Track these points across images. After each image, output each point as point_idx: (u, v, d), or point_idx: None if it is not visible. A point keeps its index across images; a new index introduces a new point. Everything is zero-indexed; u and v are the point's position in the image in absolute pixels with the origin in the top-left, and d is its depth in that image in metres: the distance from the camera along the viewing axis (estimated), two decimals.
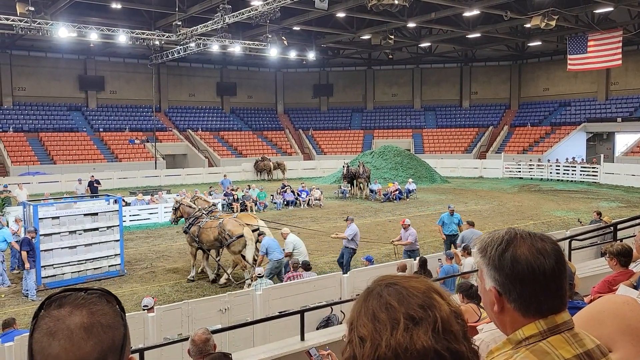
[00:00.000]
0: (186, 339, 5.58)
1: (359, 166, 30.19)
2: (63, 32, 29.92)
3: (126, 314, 1.24)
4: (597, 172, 35.18)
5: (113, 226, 14.56)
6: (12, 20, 28.13)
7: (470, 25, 38.01)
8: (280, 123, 54.97)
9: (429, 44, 46.49)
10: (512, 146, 46.43)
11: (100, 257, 14.27)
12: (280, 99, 57.04)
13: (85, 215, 14.21)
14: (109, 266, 14.46)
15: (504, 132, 49.12)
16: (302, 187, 28.25)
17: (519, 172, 39.30)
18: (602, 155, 37.32)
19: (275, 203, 26.13)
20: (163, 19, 36.27)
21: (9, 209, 21.73)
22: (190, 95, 52.30)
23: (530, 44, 45.61)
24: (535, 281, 1.44)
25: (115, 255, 14.51)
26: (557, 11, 32.14)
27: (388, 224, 21.52)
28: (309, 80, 56.55)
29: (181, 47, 37.30)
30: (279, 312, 8.71)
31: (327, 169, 41.48)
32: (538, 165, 38.91)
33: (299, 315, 7.02)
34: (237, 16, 29.07)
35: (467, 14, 34.49)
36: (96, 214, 14.38)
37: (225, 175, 33.23)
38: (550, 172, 37.50)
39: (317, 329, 8.83)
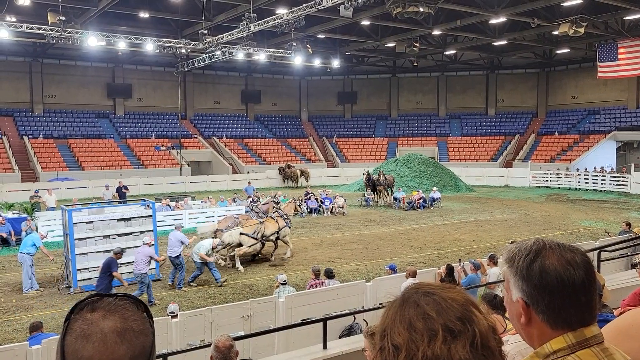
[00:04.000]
0: (209, 345, 5.60)
1: (378, 175, 29.97)
2: (92, 41, 30.55)
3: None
4: (627, 181, 34.43)
5: (147, 231, 14.71)
6: (44, 30, 28.83)
7: (496, 32, 37.68)
8: (304, 130, 55.14)
9: (455, 51, 46.20)
10: (539, 155, 45.75)
11: (134, 261, 14.40)
12: (305, 107, 57.26)
13: (118, 220, 14.53)
14: None
15: (531, 141, 48.44)
16: (326, 194, 28.23)
17: (547, 181, 38.67)
18: (632, 165, 36.51)
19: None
20: (189, 27, 36.80)
21: (38, 213, 22.17)
22: (216, 102, 52.86)
23: (558, 51, 44.98)
24: (564, 293, 1.41)
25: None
26: (586, 18, 31.65)
27: (412, 232, 21.37)
28: (333, 88, 56.66)
29: (207, 55, 37.77)
30: (302, 320, 8.70)
31: (350, 176, 41.40)
32: (566, 174, 38.25)
33: (321, 323, 6.99)
34: (262, 24, 29.32)
35: (493, 21, 34.21)
36: (129, 219, 14.68)
37: (249, 182, 33.45)
38: (579, 182, 36.81)
39: (340, 337, 8.79)
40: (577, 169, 39.06)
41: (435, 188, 29.97)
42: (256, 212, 17.45)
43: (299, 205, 20.50)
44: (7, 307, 12.55)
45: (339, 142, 53.02)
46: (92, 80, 46.59)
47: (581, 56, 46.54)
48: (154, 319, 1.25)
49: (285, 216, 17.37)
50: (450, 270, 10.97)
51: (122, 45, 32.72)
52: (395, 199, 28.98)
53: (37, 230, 19.61)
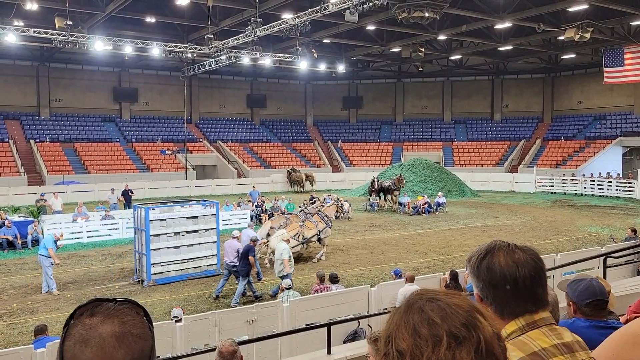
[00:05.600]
0: (213, 350, 5.59)
1: (396, 179, 29.84)
2: (99, 45, 30.71)
3: (154, 324, 1.26)
4: (633, 187, 34.27)
5: (211, 229, 15.67)
6: (51, 34, 28.98)
7: (501, 37, 37.65)
8: (310, 135, 55.19)
9: (460, 56, 46.17)
10: (545, 160, 45.62)
11: (200, 257, 15.44)
12: (310, 111, 57.34)
13: (187, 218, 15.43)
14: (207, 265, 15.58)
15: (537, 146, 48.32)
16: (331, 199, 28.16)
17: (552, 186, 38.54)
18: (638, 171, 36.34)
19: None
20: (195, 32, 36.94)
21: (44, 217, 22.24)
22: (221, 106, 52.99)
23: (564, 57, 44.91)
24: (506, 287, 1.60)
25: (213, 255, 15.64)
26: (592, 23, 31.58)
27: (417, 237, 21.32)
28: (339, 93, 56.73)
29: (213, 59, 37.86)
30: (306, 325, 8.68)
31: (355, 181, 41.40)
32: (572, 179, 38.10)
33: (325, 328, 6.97)
34: (268, 29, 29.40)
35: (498, 26, 34.19)
36: (197, 217, 15.58)
37: (253, 187, 33.44)
38: (585, 187, 36.65)
39: (344, 342, 8.76)
40: (583, 175, 38.93)
41: (440, 193, 29.91)
42: (305, 213, 18.50)
43: (341, 207, 21.41)
44: (12, 310, 12.59)
45: (344, 146, 53.05)
46: (98, 84, 46.81)
47: (587, 61, 46.42)
48: (153, 323, 1.25)
49: (326, 217, 18.27)
50: (454, 276, 10.93)
51: (128, 49, 32.87)
52: (400, 203, 28.92)
53: (42, 234, 19.75)
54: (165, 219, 14.92)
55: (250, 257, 13.17)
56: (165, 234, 14.88)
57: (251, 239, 13.87)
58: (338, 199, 24.68)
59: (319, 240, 17.69)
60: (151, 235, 14.56)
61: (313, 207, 20.23)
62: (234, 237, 14.18)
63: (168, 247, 14.89)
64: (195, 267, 15.25)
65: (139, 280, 14.75)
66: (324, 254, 17.56)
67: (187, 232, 15.22)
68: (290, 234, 16.57)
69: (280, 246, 13.82)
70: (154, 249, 14.60)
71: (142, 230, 14.83)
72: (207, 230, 15.54)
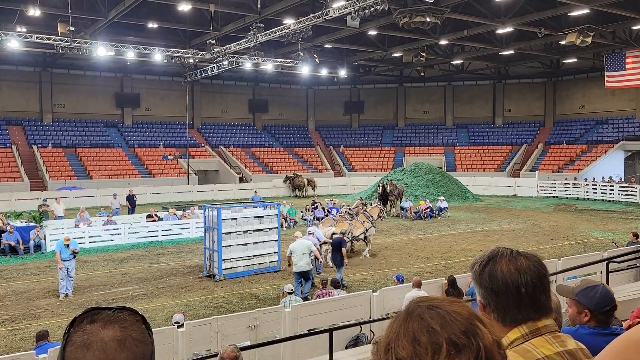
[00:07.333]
0: (215, 355, 5.59)
1: (387, 184, 29.94)
2: (101, 51, 30.81)
3: (156, 329, 1.26)
4: (636, 191, 34.20)
5: (273, 228, 16.80)
6: (54, 40, 29.09)
7: (503, 42, 37.67)
8: (311, 140, 55.24)
9: (461, 61, 46.22)
10: (547, 164, 45.59)
11: (263, 254, 16.58)
12: (312, 116, 57.40)
13: (254, 217, 16.60)
14: (270, 262, 16.65)
15: (539, 150, 48.29)
16: (333, 204, 28.18)
17: (554, 191, 38.48)
18: None
19: (305, 220, 26.09)
20: (197, 37, 37.05)
21: (46, 222, 22.26)
22: (223, 112, 53.09)
23: (566, 61, 44.92)
24: (508, 295, 1.61)
25: (274, 252, 16.74)
26: (593, 28, 31.59)
27: (419, 242, 21.30)
28: (340, 97, 56.80)
29: (214, 65, 37.97)
30: (308, 330, 8.67)
31: (357, 185, 41.36)
32: (574, 184, 38.04)
33: (327, 333, 6.96)
34: (270, 35, 29.46)
35: (500, 31, 34.22)
36: (262, 216, 16.76)
37: (255, 191, 33.46)
38: (587, 192, 36.58)
39: (346, 348, 8.75)
40: (585, 179, 38.85)
41: (442, 197, 29.87)
42: (350, 215, 19.41)
43: (382, 211, 22.28)
44: (14, 315, 12.59)
45: (345, 151, 53.07)
46: (100, 89, 46.95)
47: (589, 66, 46.44)
48: (154, 329, 1.26)
49: (371, 217, 19.38)
50: (452, 282, 10.87)
51: (130, 55, 32.97)
52: (402, 208, 28.91)
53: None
54: (235, 218, 16.06)
55: (342, 249, 14.52)
56: (235, 232, 15.97)
57: (341, 232, 15.59)
58: (342, 205, 24.70)
59: (365, 238, 18.63)
60: (223, 233, 15.59)
61: (356, 208, 20.96)
62: (309, 233, 15.32)
63: (237, 245, 15.97)
64: (259, 264, 16.37)
65: (210, 275, 15.78)
66: (369, 250, 18.58)
67: (254, 230, 16.33)
68: (340, 230, 17.29)
69: (308, 243, 14.04)
70: (225, 246, 15.63)
71: (213, 229, 15.90)
72: (270, 229, 16.66)
